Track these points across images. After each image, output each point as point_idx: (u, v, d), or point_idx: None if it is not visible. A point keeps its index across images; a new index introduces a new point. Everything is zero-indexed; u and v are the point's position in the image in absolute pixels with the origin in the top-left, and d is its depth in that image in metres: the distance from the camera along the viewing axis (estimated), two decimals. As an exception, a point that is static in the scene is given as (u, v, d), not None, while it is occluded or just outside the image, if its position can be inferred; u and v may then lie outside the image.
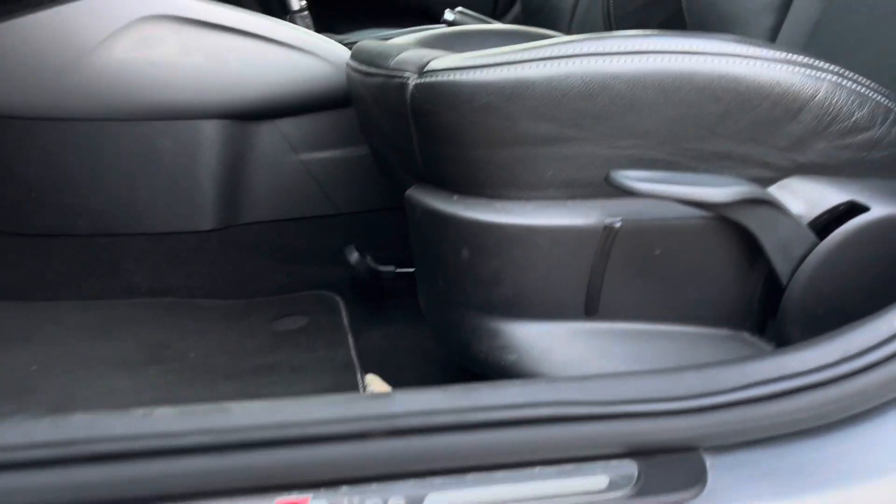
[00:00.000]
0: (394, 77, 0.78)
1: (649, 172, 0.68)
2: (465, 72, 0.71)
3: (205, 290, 1.24)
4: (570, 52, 0.69)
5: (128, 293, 1.21)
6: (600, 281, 0.71)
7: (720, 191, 0.66)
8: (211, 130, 1.29)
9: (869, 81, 0.72)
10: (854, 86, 0.71)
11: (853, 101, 0.71)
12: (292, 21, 1.41)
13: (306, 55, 1.29)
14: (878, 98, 0.72)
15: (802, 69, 0.70)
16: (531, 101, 0.69)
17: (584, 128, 0.70)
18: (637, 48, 0.69)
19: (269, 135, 1.34)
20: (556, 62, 0.69)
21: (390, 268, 1.26)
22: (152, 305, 1.21)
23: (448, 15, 1.55)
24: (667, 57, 0.68)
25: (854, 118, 0.71)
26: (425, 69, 0.74)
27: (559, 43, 0.70)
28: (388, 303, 1.26)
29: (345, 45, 1.71)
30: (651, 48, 0.69)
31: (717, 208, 0.68)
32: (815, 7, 1.18)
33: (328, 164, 1.37)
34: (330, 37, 1.91)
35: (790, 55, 0.70)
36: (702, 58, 0.68)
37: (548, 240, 0.71)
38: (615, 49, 0.69)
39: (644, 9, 1.62)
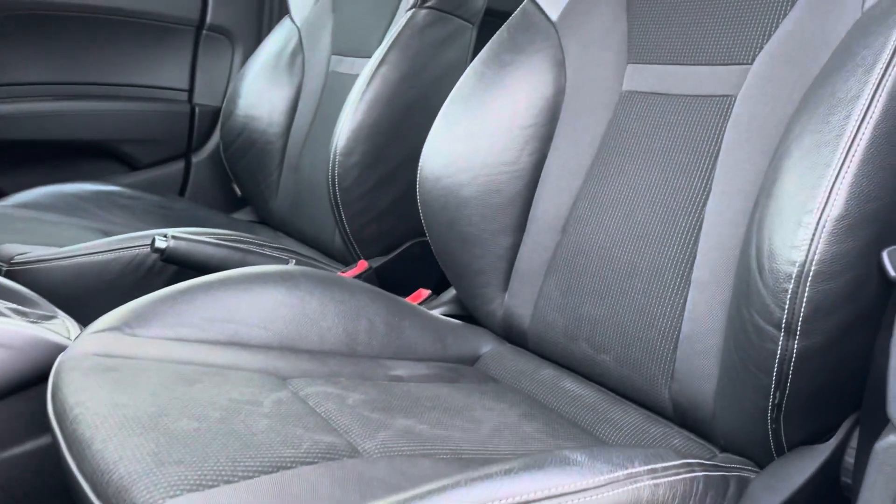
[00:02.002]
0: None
1: None
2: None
3: None
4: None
5: None
6: None
7: None
8: None
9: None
10: (664, 478, 0.68)
11: (666, 493, 0.68)
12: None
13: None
14: (684, 475, 0.70)
15: (625, 484, 0.66)
16: None
17: None
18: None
19: (-78, 450, 1.00)
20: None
21: None
22: None
23: (159, 242, 1.27)
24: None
25: (671, 507, 0.68)
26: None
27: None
28: None
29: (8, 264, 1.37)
30: (487, 498, 0.59)
31: None
32: (550, 237, 1.19)
33: (14, 465, 1.07)
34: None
35: (611, 473, 0.65)
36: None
37: None
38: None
39: (372, 192, 1.55)
